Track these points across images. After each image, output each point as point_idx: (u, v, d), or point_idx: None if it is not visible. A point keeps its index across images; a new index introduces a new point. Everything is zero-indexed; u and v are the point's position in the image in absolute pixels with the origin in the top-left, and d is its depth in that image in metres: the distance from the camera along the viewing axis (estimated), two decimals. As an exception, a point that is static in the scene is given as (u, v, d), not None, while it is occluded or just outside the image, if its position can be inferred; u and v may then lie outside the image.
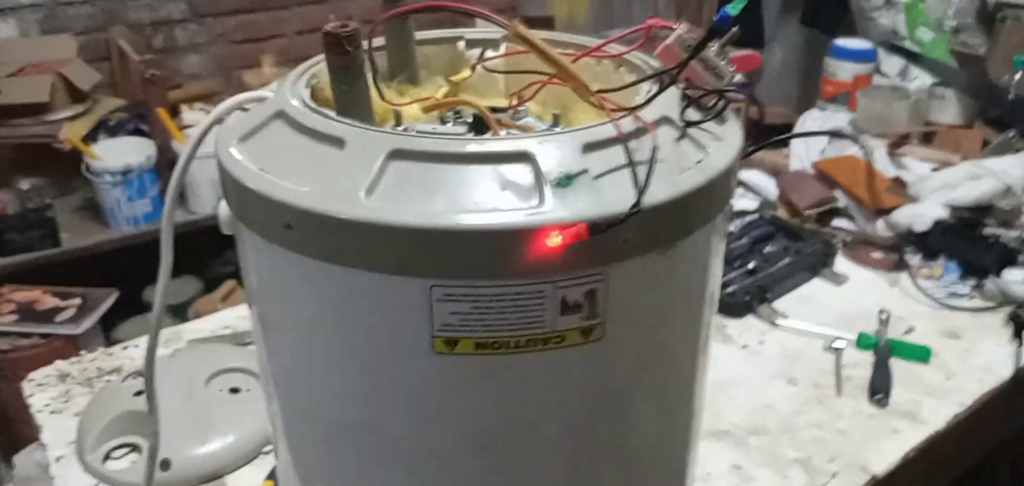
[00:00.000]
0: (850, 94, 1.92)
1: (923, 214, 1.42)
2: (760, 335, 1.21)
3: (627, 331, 0.51)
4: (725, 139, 0.55)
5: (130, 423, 0.96)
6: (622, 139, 0.48)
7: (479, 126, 0.61)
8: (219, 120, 0.59)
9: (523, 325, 0.48)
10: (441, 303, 0.47)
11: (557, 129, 0.60)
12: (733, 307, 1.24)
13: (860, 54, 1.95)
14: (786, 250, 1.38)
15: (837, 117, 1.87)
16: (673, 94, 0.56)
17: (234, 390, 1.01)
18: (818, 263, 1.36)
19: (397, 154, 0.48)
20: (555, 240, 0.44)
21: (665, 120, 0.53)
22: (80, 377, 1.11)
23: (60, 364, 1.14)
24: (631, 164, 0.46)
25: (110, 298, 2.24)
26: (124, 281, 2.34)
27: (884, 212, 1.45)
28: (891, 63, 2.05)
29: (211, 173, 2.46)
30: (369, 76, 0.57)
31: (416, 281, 0.47)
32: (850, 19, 2.40)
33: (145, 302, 2.46)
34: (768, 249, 1.38)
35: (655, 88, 0.56)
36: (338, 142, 0.49)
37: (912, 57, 2.03)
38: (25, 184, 2.54)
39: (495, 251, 0.46)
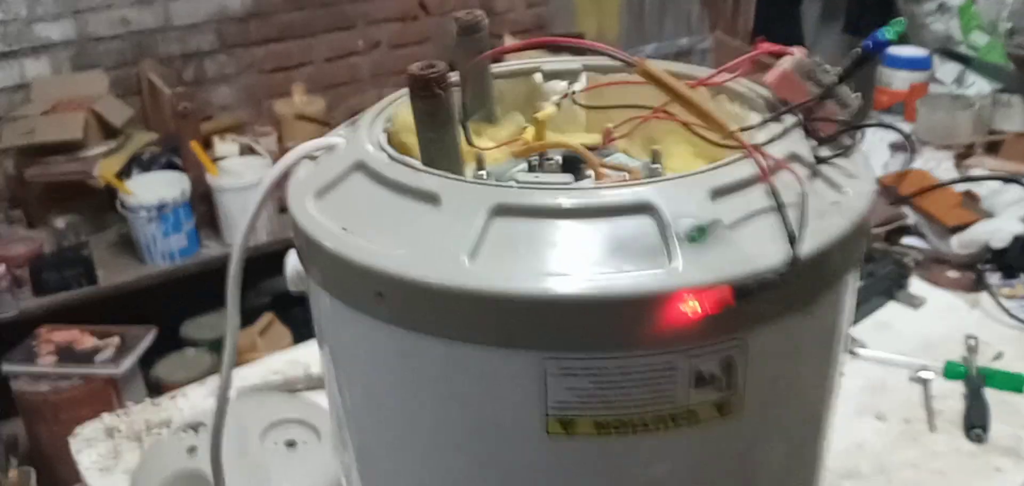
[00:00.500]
0: (906, 103, 1.84)
1: (1000, 230, 1.34)
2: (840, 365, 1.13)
3: (764, 401, 0.44)
4: (858, 175, 0.49)
5: (184, 483, 0.91)
6: (761, 180, 0.42)
7: (570, 168, 0.55)
8: (286, 172, 0.53)
9: (650, 401, 0.42)
10: (556, 378, 0.41)
11: (659, 169, 0.54)
12: (807, 336, 1.17)
13: (915, 62, 1.87)
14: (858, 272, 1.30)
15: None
16: (796, 128, 0.49)
17: (290, 444, 0.95)
18: (892, 285, 1.29)
19: (501, 210, 0.42)
20: (692, 307, 0.38)
21: (794, 157, 0.47)
22: (128, 431, 1.06)
23: (107, 418, 1.09)
24: (780, 208, 0.40)
25: (149, 336, 2.21)
26: (161, 317, 2.31)
27: (957, 229, 1.37)
28: (946, 69, 1.97)
29: (243, 204, 2.43)
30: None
31: (528, 355, 0.41)
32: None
33: (182, 338, 2.43)
34: (837, 272, 1.31)
35: (772, 121, 0.50)
36: (432, 198, 0.44)
37: (969, 62, 1.95)
38: (60, 222, 2.52)
39: (621, 320, 0.40)
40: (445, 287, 0.40)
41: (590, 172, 0.55)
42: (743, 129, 0.46)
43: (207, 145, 2.62)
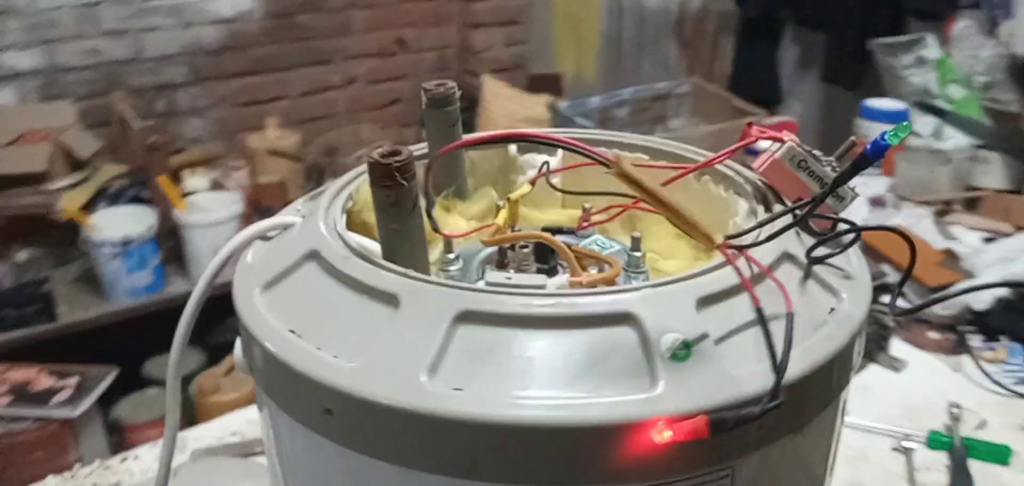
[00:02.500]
0: (885, 157, 1.83)
1: (982, 291, 1.32)
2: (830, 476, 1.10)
3: (752, 529, 0.40)
4: (854, 276, 0.45)
5: (128, 561, 0.85)
6: (748, 288, 0.38)
7: (543, 256, 0.51)
8: (233, 255, 0.49)
9: (628, 536, 0.37)
10: (524, 512, 0.37)
11: (638, 258, 0.50)
12: (787, 402, 1.13)
13: (894, 115, 1.86)
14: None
15: (874, 183, 1.77)
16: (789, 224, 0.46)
17: (244, 516, 0.90)
18: (873, 346, 1.26)
19: (466, 317, 0.38)
20: (664, 436, 0.34)
21: (787, 257, 0.43)
22: (73, 497, 1.00)
23: (51, 482, 1.03)
24: (765, 333, 0.36)
25: (109, 376, 2.13)
26: (123, 355, 2.24)
27: (938, 289, 1.35)
28: (924, 123, 1.96)
29: (211, 241, 2.37)
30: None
31: (493, 486, 0.36)
32: (872, 75, 2.33)
33: (145, 377, 2.36)
34: (817, 332, 1.28)
35: (764, 216, 0.47)
36: (391, 299, 0.39)
37: (946, 116, 1.95)
38: (22, 256, 2.45)
39: (601, 450, 0.35)
40: (401, 408, 0.35)
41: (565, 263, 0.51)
42: (732, 235, 0.42)
43: (177, 179, 2.57)
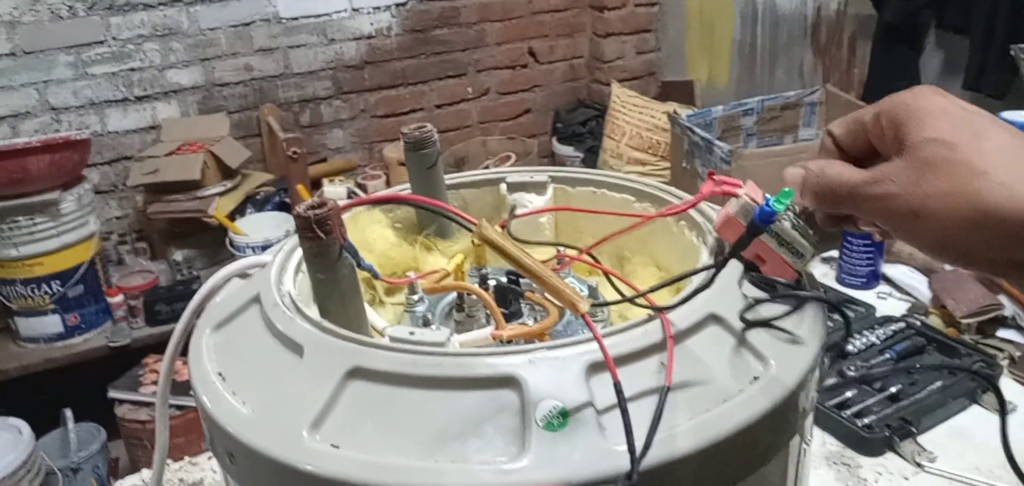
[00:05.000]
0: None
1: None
2: (900, 480, 1.02)
3: None
4: (801, 341, 0.42)
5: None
6: (609, 365, 0.36)
7: (503, 298, 0.51)
8: (213, 292, 0.52)
9: None
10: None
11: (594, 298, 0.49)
12: (869, 443, 1.06)
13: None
14: (939, 369, 1.17)
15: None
16: (730, 280, 0.44)
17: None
18: (978, 386, 1.15)
19: (357, 373, 0.39)
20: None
21: (713, 319, 0.41)
22: (163, 490, 1.09)
23: (146, 474, 1.13)
24: (623, 413, 0.34)
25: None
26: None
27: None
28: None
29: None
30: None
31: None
32: (1020, 85, 2.12)
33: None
34: (916, 367, 1.18)
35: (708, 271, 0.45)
36: (297, 349, 0.41)
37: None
38: (178, 255, 2.68)
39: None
40: (279, 461, 0.37)
41: (524, 303, 0.51)
42: (654, 288, 0.41)
43: (317, 186, 2.73)
